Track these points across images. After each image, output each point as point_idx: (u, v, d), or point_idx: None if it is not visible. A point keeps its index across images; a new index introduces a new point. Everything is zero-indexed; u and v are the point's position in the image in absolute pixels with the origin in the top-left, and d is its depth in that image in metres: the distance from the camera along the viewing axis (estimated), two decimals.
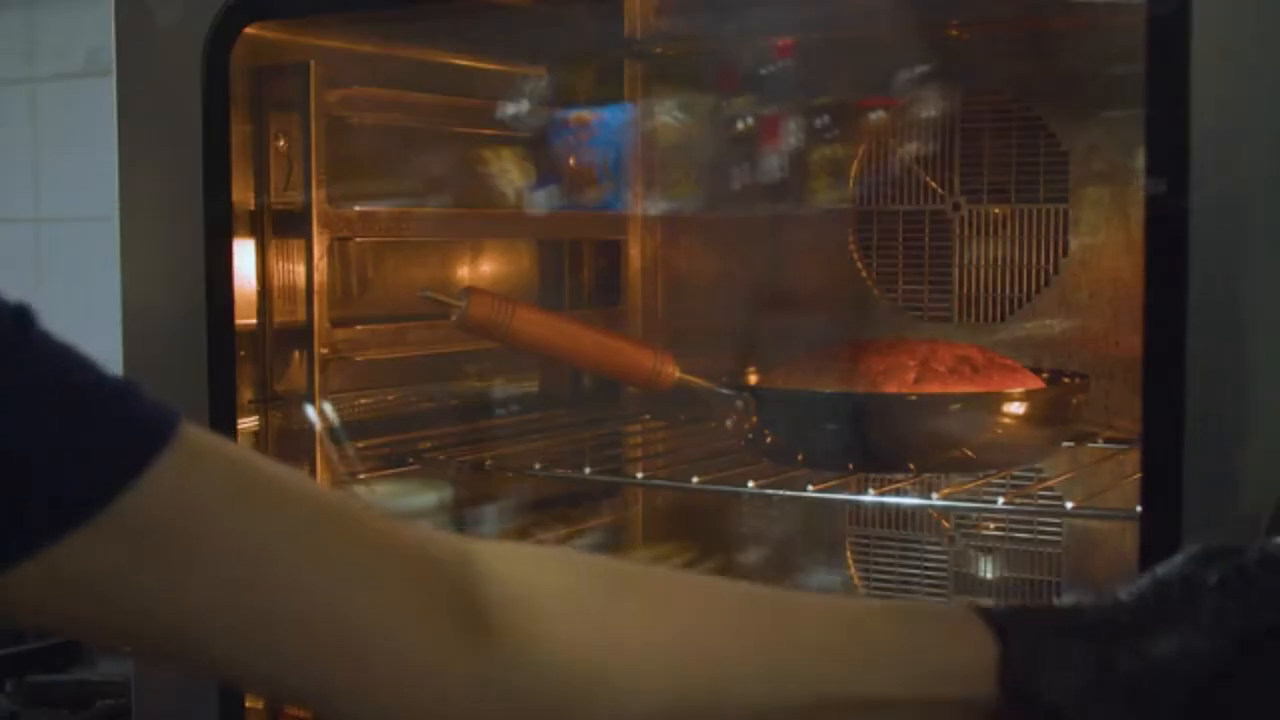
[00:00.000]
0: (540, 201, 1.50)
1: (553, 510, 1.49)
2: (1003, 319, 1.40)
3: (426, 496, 1.37)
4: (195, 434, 0.62)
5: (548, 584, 0.71)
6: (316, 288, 1.25)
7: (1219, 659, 0.73)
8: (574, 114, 1.53)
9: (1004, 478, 1.27)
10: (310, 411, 1.26)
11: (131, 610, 0.62)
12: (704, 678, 0.71)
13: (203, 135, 1.16)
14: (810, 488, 1.19)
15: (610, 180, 1.56)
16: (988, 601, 0.80)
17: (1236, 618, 0.73)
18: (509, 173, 1.49)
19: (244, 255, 1.22)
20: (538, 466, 1.33)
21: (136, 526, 0.59)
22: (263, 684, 0.68)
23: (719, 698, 0.72)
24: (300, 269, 1.25)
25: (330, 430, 1.28)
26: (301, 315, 1.25)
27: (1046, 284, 1.38)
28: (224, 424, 1.17)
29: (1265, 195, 0.81)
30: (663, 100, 1.53)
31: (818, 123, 1.46)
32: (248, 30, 1.16)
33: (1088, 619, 0.75)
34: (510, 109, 1.43)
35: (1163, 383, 0.83)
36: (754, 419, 1.24)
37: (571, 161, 1.54)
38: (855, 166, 1.46)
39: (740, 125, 1.46)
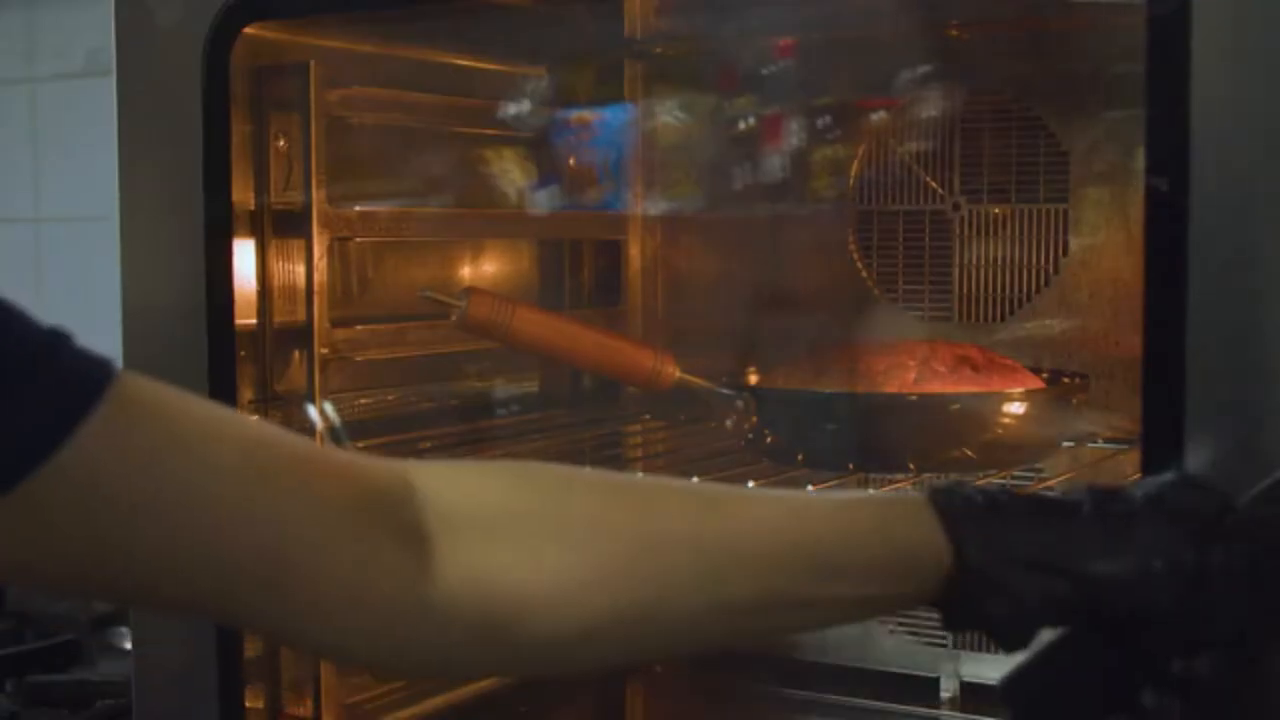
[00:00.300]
0: (541, 201, 1.50)
1: None
2: (1003, 319, 1.40)
3: None
4: (129, 382, 0.62)
5: (489, 504, 0.72)
6: (316, 288, 1.25)
7: (1154, 602, 0.74)
8: (575, 114, 1.53)
9: (1004, 478, 1.27)
10: (310, 411, 1.26)
11: (77, 560, 0.62)
12: (647, 588, 0.72)
13: (203, 135, 1.16)
14: (810, 488, 1.19)
15: (610, 180, 1.56)
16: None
17: (1193, 573, 0.74)
18: (510, 173, 1.49)
19: (244, 255, 1.21)
20: None
21: (74, 480, 0.60)
22: (215, 617, 0.69)
23: (662, 605, 0.72)
24: (300, 269, 1.25)
25: (330, 430, 1.28)
26: (301, 315, 1.25)
27: (1046, 284, 1.38)
28: None
29: (1266, 195, 0.81)
30: (663, 100, 1.53)
31: (818, 123, 1.46)
32: (248, 30, 1.16)
33: (1046, 534, 0.75)
34: (511, 109, 1.43)
35: (1163, 383, 0.83)
36: (754, 419, 1.24)
37: (572, 161, 1.54)
38: (855, 166, 1.46)
39: (741, 125, 1.46)
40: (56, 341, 0.61)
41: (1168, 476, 0.78)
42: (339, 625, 0.68)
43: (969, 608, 0.76)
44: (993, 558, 0.75)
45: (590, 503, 0.74)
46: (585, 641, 0.71)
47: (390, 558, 0.68)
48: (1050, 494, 0.81)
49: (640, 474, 0.78)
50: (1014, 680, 0.78)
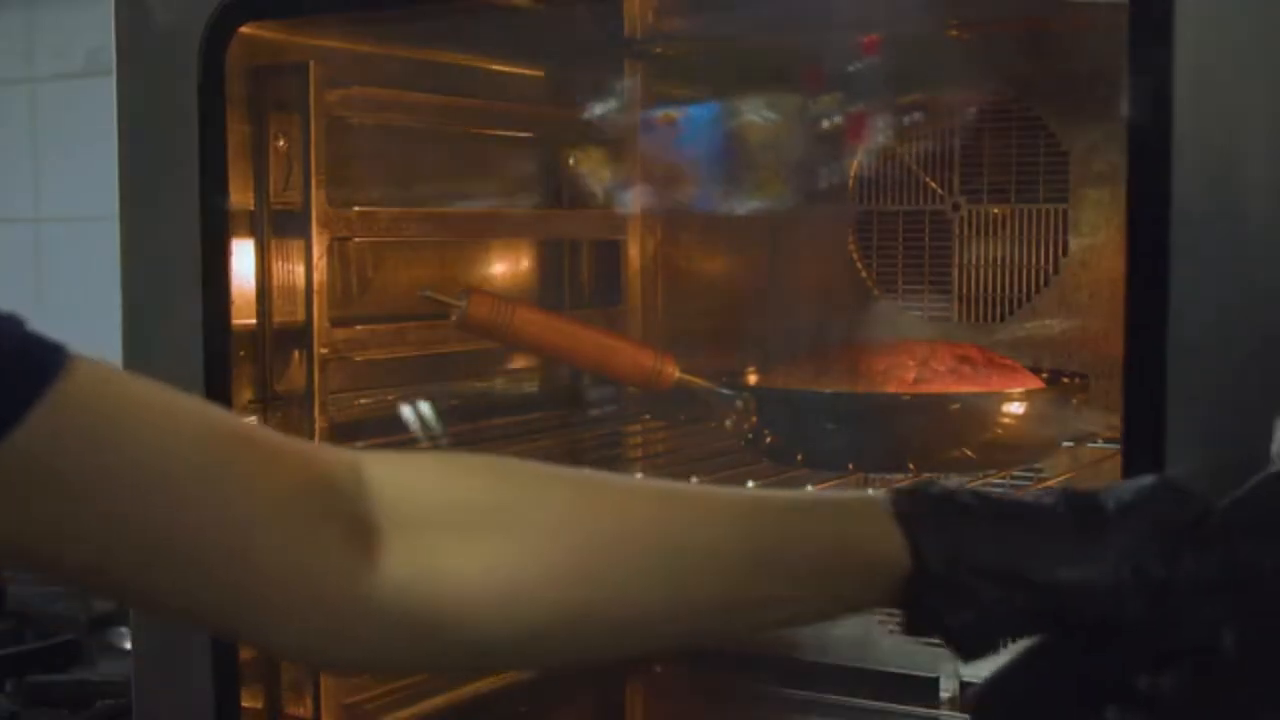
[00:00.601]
0: (628, 201, 1.48)
1: None
2: (1003, 319, 1.40)
3: None
4: (82, 367, 0.62)
5: (440, 498, 0.71)
6: (316, 288, 1.25)
7: (1123, 611, 0.72)
8: (661, 113, 1.50)
9: (1004, 478, 1.27)
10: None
11: (31, 539, 0.62)
12: (599, 587, 0.71)
13: (202, 135, 1.16)
14: (810, 488, 1.19)
15: (696, 179, 1.53)
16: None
17: (1162, 581, 0.72)
18: (597, 172, 1.48)
19: (243, 255, 1.22)
20: None
21: (26, 461, 0.60)
22: (168, 611, 0.68)
23: (615, 604, 0.71)
24: (300, 269, 1.25)
25: (330, 430, 1.28)
26: (301, 315, 1.25)
27: (1046, 284, 1.38)
28: None
29: (1249, 195, 0.80)
30: (749, 98, 1.49)
31: (820, 124, 1.45)
32: (248, 31, 1.16)
33: (1011, 539, 0.73)
34: (598, 108, 1.42)
35: (1144, 385, 0.82)
36: (754, 419, 1.24)
37: (659, 161, 1.52)
38: (855, 166, 1.46)
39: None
40: (7, 327, 0.62)
41: (1144, 481, 0.76)
42: (285, 618, 0.67)
43: (928, 614, 0.74)
44: (953, 564, 0.73)
45: (545, 499, 0.73)
46: (533, 641, 0.70)
47: (338, 549, 0.67)
48: (1019, 498, 0.78)
49: (604, 471, 0.75)
50: (988, 691, 0.76)
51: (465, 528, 0.69)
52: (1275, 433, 0.77)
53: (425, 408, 1.27)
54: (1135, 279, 0.82)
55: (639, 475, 1.25)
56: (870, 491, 0.76)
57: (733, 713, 1.47)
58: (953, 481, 1.19)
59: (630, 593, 0.71)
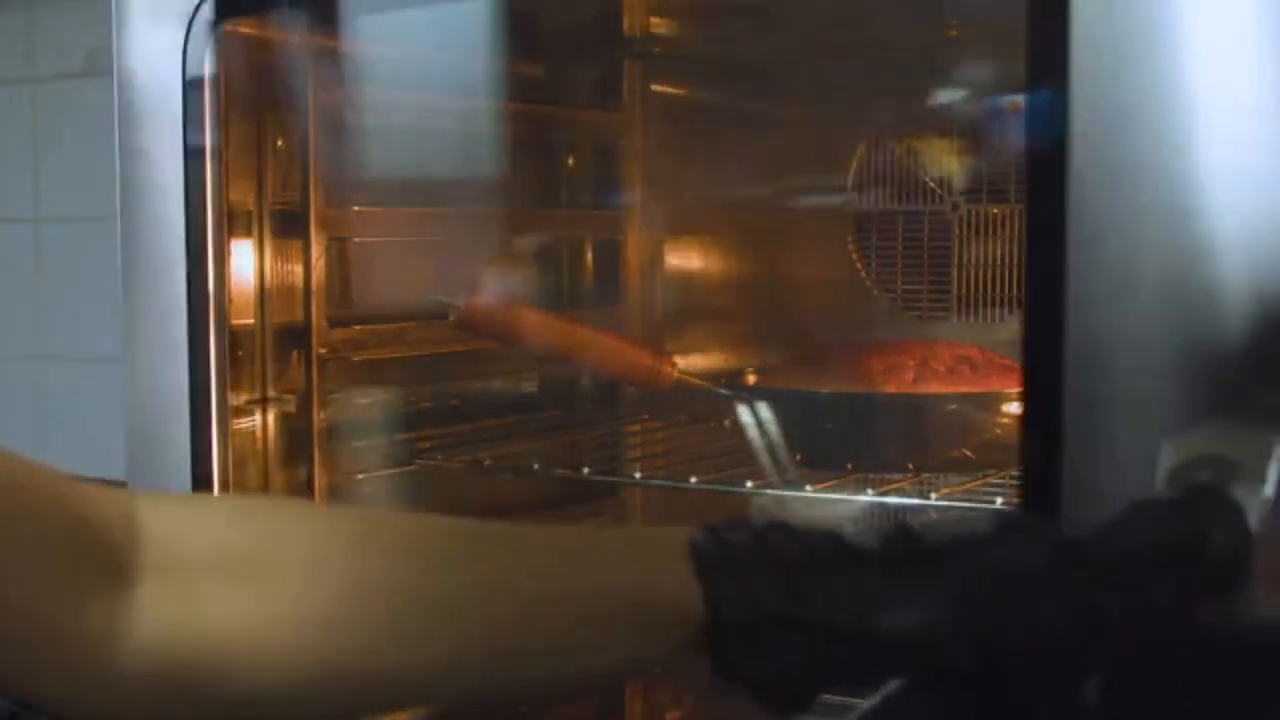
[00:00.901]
0: (971, 194, 1.43)
1: (552, 510, 1.49)
2: (1003, 319, 1.40)
3: None
4: None
5: (205, 544, 0.67)
6: (315, 288, 1.26)
7: (950, 660, 0.66)
8: (1009, 100, 1.46)
9: (1003, 477, 1.27)
10: (309, 411, 1.26)
11: None
12: (363, 640, 0.66)
13: (202, 134, 1.16)
14: (809, 488, 1.19)
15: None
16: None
17: (994, 628, 0.66)
18: (942, 163, 1.44)
19: (242, 255, 1.22)
20: (537, 467, 1.33)
21: None
22: None
23: (383, 657, 0.67)
24: (298, 269, 1.25)
25: (329, 430, 1.28)
26: (300, 315, 1.26)
27: None
28: (223, 422, 1.17)
29: (1138, 225, 0.78)
30: None
31: (819, 123, 1.45)
32: (247, 30, 1.16)
33: (818, 584, 0.67)
34: (944, 96, 1.39)
35: (1040, 411, 0.79)
36: None
37: (1005, 151, 1.42)
38: (855, 166, 1.46)
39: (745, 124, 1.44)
40: None
41: (984, 519, 0.70)
42: (48, 664, 0.63)
43: (728, 667, 0.68)
44: (750, 612, 0.67)
45: (309, 543, 0.69)
46: (295, 695, 0.66)
47: (98, 594, 0.63)
48: (840, 537, 0.70)
49: (396, 511, 0.70)
50: None
51: (224, 574, 0.66)
52: (1161, 456, 0.72)
53: (764, 409, 1.24)
54: (1032, 296, 0.80)
55: (694, 479, 1.22)
56: (677, 530, 0.70)
57: (732, 712, 1.47)
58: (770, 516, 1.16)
59: (399, 642, 0.67)
